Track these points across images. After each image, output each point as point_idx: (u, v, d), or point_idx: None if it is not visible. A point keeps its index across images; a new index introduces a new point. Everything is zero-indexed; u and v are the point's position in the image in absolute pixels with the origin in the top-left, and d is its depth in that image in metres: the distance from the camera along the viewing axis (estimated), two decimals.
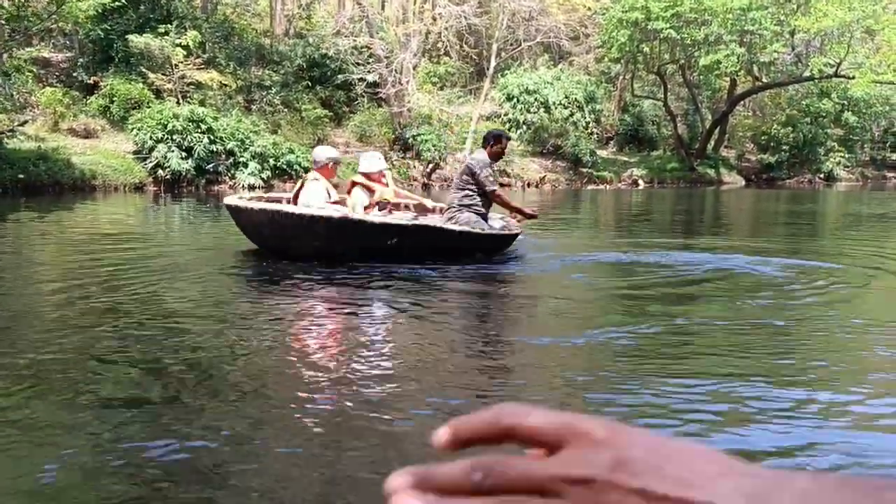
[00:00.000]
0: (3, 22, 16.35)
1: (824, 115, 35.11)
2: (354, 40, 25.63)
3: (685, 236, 9.81)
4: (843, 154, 36.95)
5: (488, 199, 6.88)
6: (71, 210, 13.44)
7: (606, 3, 30.62)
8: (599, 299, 5.13)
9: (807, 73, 29.27)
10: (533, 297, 5.19)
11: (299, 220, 6.29)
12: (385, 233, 6.31)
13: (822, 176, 36.23)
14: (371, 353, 3.57)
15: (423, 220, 7.04)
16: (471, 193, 6.82)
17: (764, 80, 31.29)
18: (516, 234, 7.01)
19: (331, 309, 4.71)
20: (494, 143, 6.84)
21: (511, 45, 31.08)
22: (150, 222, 11.65)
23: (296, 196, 6.96)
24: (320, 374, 3.20)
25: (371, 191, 6.97)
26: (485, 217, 6.91)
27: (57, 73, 22.97)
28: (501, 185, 24.90)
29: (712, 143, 35.15)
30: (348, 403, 2.81)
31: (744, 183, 33.42)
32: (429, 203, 7.93)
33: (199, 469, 2.28)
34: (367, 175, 7.03)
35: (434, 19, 26.40)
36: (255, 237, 6.88)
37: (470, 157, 7.19)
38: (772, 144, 34.98)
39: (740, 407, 2.82)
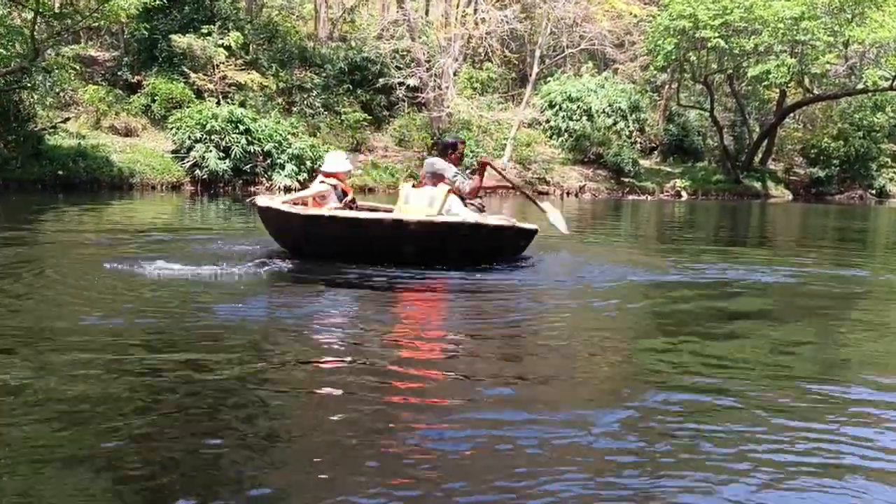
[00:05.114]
0: (50, 19, 16.48)
1: (878, 129, 34.03)
2: (396, 44, 25.47)
3: (731, 251, 9.32)
4: None
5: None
6: (108, 206, 13.44)
7: (653, 11, 30.03)
8: (635, 326, 4.75)
9: (860, 86, 28.31)
10: (564, 318, 4.81)
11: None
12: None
13: (873, 192, 35.11)
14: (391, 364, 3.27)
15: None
16: None
17: (815, 91, 30.38)
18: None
19: (329, 320, 4.42)
20: (452, 151, 7.12)
21: (554, 51, 30.65)
22: (187, 220, 11.52)
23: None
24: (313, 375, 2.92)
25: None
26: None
27: (102, 72, 23.23)
28: (540, 192, 24.63)
29: (759, 155, 34.29)
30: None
31: (791, 197, 32.55)
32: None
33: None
34: (335, 175, 6.86)
35: (476, 24, 26.11)
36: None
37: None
38: (822, 158, 33.95)
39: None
